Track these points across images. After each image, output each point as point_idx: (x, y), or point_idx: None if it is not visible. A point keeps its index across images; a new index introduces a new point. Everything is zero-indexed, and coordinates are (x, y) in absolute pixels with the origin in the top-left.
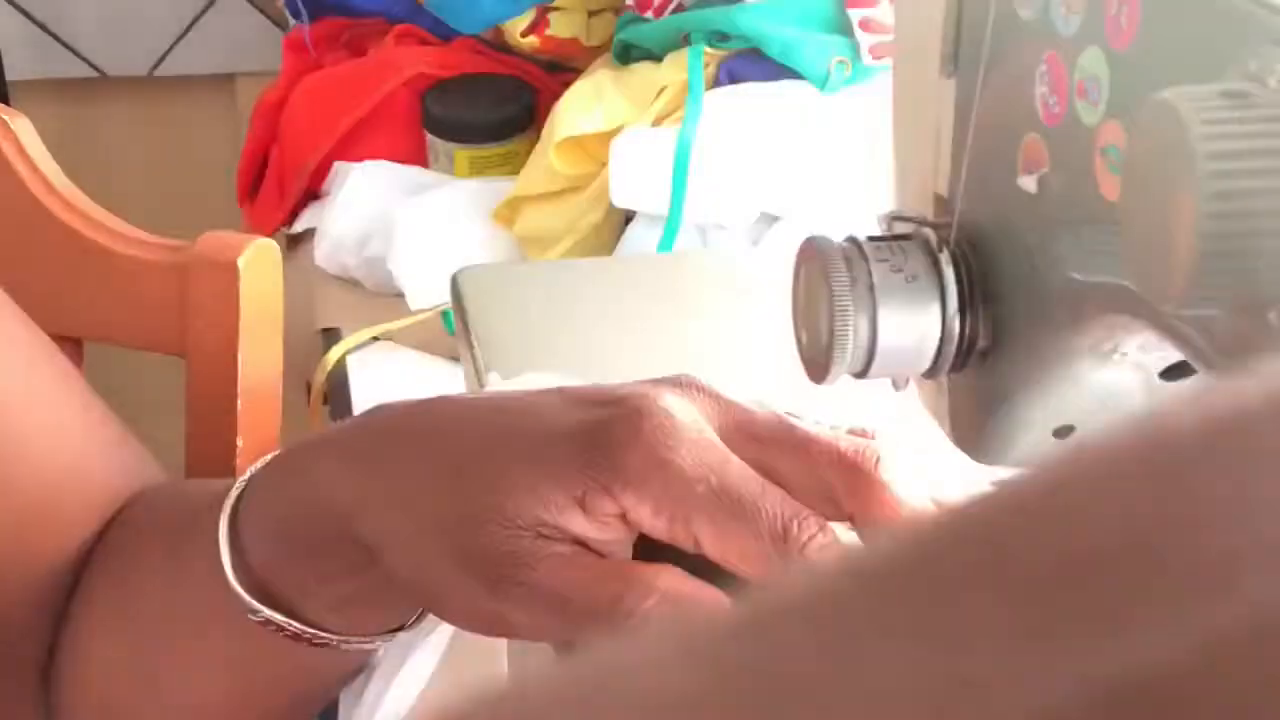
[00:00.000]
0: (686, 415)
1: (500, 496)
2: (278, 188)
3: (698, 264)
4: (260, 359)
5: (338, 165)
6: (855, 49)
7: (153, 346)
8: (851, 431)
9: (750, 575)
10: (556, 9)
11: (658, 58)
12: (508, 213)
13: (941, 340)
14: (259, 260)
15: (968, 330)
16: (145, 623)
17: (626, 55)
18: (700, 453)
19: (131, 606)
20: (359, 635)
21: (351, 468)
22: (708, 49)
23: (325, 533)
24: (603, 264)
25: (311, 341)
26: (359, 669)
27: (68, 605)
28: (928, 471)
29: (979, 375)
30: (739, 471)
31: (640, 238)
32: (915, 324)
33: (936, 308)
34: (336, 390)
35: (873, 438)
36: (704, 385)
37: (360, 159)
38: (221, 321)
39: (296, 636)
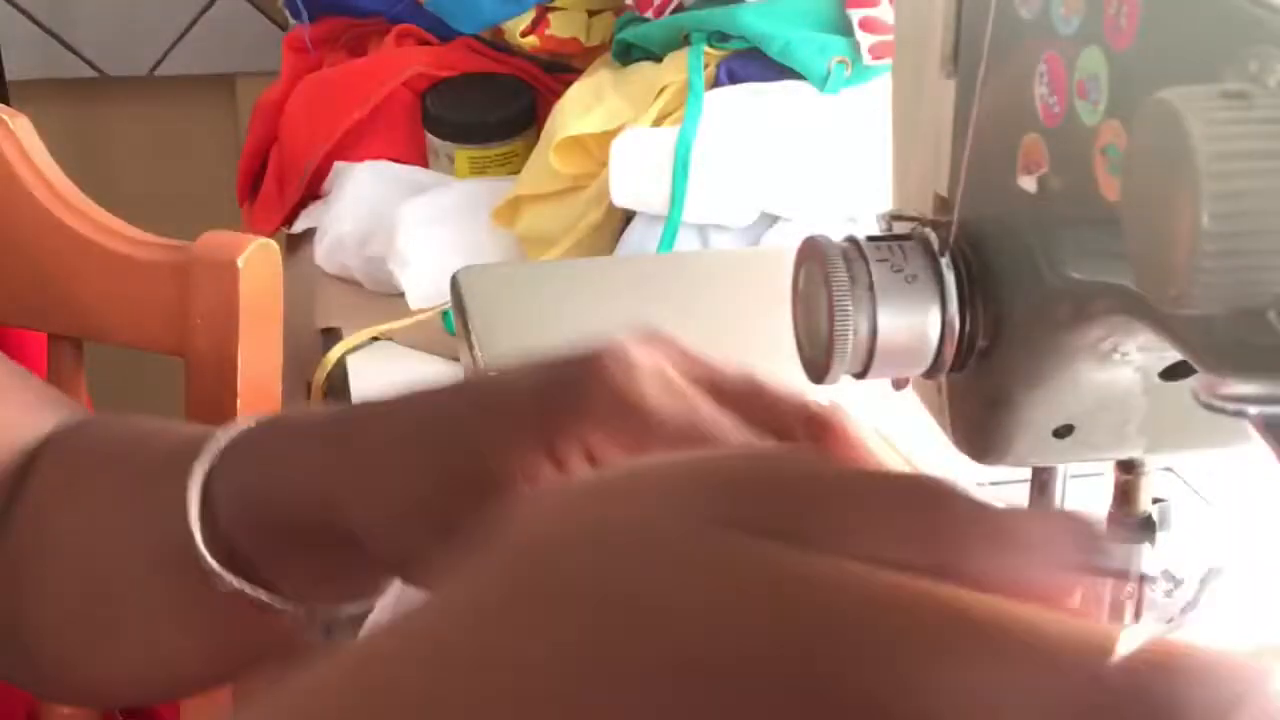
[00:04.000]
0: (650, 360)
1: (473, 461)
2: (278, 188)
3: (698, 264)
4: (260, 359)
5: (338, 165)
6: (855, 49)
7: (153, 346)
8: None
9: None
10: (556, 9)
11: (658, 58)
12: (508, 213)
13: (941, 340)
14: (259, 260)
15: (967, 330)
16: (92, 567)
17: (626, 55)
18: (663, 388)
19: (78, 549)
20: (330, 604)
21: (327, 455)
22: (708, 49)
23: (303, 520)
24: (603, 264)
25: (311, 341)
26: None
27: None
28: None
29: (979, 375)
30: (702, 412)
31: (640, 238)
32: (915, 324)
33: (936, 308)
34: (336, 390)
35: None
36: (668, 337)
37: (360, 159)
38: (221, 321)
39: (264, 607)
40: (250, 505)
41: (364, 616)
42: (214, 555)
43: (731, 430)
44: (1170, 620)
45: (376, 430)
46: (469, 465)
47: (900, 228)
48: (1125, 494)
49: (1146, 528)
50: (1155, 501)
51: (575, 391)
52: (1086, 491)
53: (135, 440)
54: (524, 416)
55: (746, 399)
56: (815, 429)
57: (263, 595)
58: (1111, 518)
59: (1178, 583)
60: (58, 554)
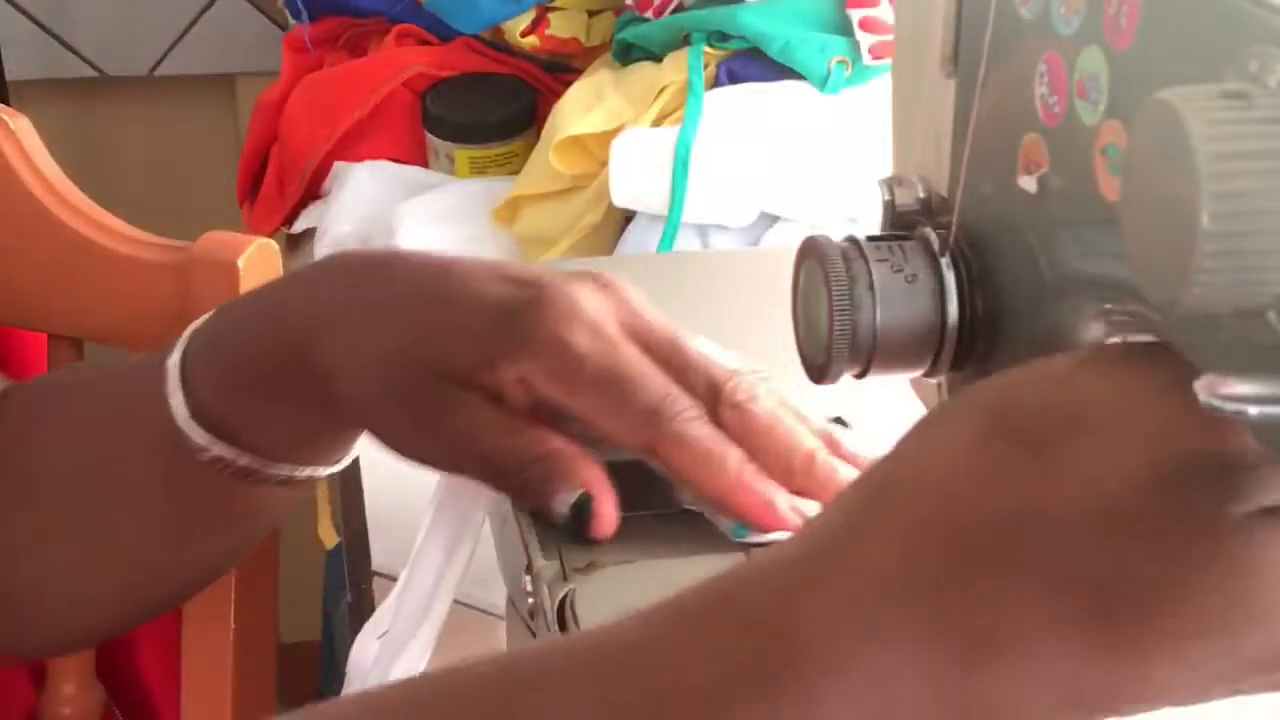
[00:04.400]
0: (590, 304)
1: (432, 348)
2: (278, 188)
3: (698, 264)
4: None
5: (338, 165)
6: (855, 49)
7: (153, 346)
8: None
9: (634, 448)
10: (556, 9)
11: (658, 58)
12: (508, 213)
13: (941, 340)
14: (259, 260)
15: (967, 330)
16: (86, 475)
17: (626, 55)
18: (594, 335)
19: (72, 448)
20: (311, 464)
21: (315, 300)
22: (708, 49)
23: (284, 361)
24: (602, 264)
25: None
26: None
27: None
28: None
29: (979, 375)
30: (626, 355)
31: (640, 238)
32: (915, 324)
33: (936, 307)
34: None
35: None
36: (620, 287)
37: (360, 159)
38: None
39: (245, 473)
40: (225, 362)
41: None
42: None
43: (648, 374)
44: None
45: (365, 294)
46: (430, 353)
47: (901, 196)
48: None
49: None
50: None
51: (522, 327)
52: None
53: (106, 363)
54: (479, 336)
55: (664, 355)
56: (711, 396)
57: (244, 458)
58: None
59: None
60: (39, 474)
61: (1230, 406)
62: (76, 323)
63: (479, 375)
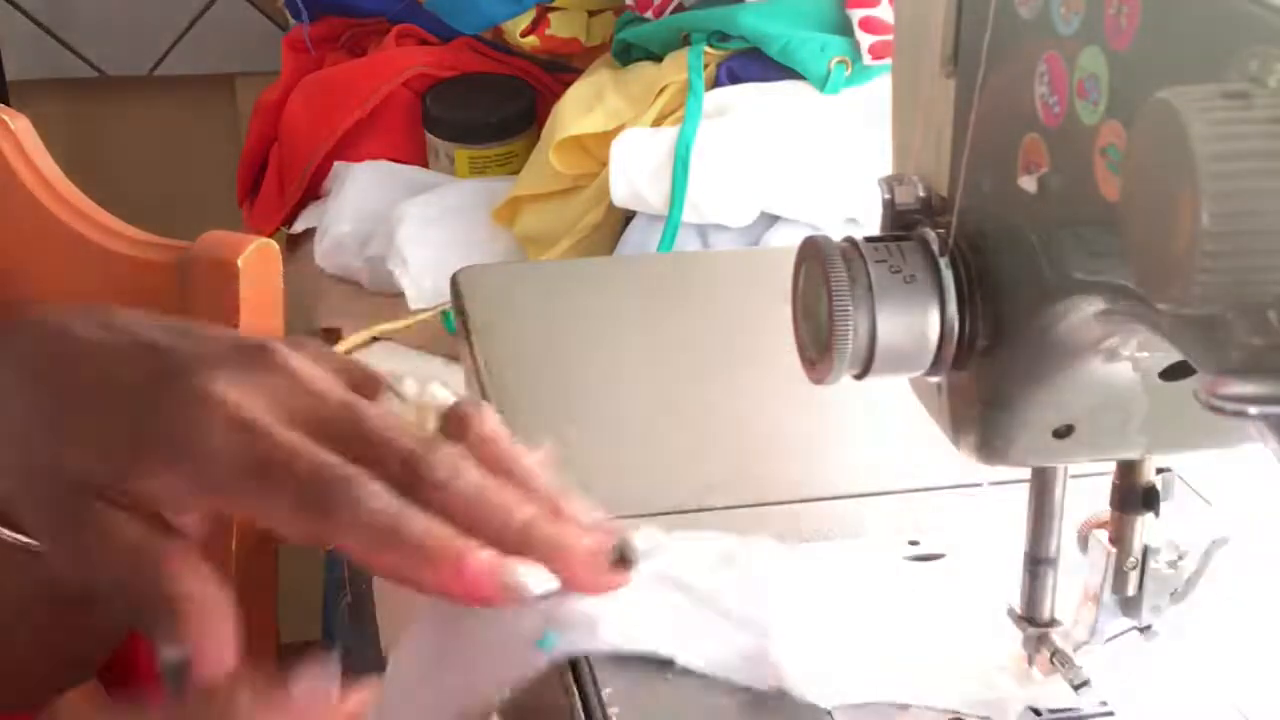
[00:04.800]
0: (233, 395)
1: (53, 453)
2: (278, 188)
3: (698, 264)
4: None
5: (338, 165)
6: (855, 49)
7: None
8: (458, 406)
9: (302, 542)
10: (556, 9)
11: (658, 58)
12: (508, 213)
13: (941, 340)
14: (259, 260)
15: (967, 330)
16: None
17: (626, 55)
18: (232, 431)
19: None
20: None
21: None
22: (708, 49)
23: None
24: (603, 264)
25: None
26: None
27: None
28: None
29: (978, 375)
30: (270, 442)
31: (640, 238)
32: (914, 324)
33: (935, 307)
34: None
35: (476, 414)
36: (276, 356)
37: (360, 159)
38: (221, 321)
39: (20, 546)
40: None
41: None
42: None
43: (304, 454)
44: (1174, 592)
45: (17, 391)
46: (61, 462)
47: (901, 194)
48: (1129, 465)
49: (1150, 498)
50: (1159, 472)
51: (145, 433)
52: (1086, 491)
53: None
54: (98, 444)
55: (341, 430)
56: (407, 477)
57: (9, 534)
58: (1115, 489)
59: (1182, 554)
60: None
61: (1230, 406)
62: None
63: (119, 485)
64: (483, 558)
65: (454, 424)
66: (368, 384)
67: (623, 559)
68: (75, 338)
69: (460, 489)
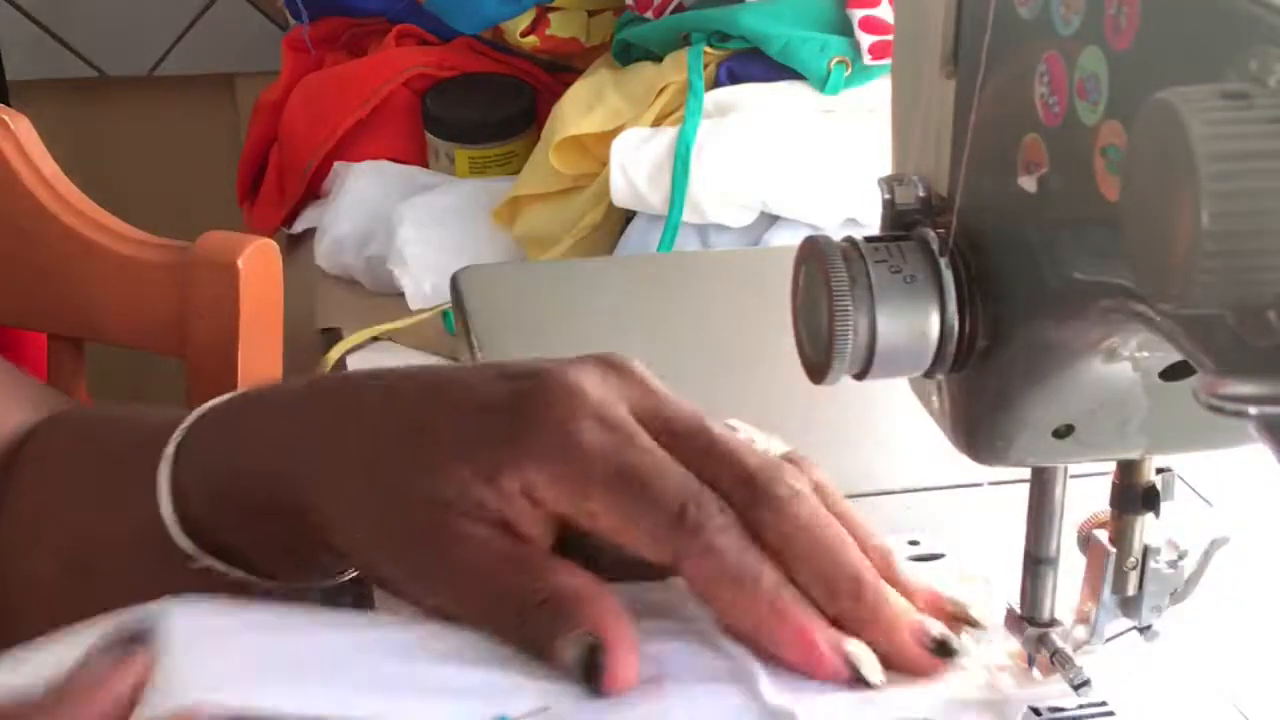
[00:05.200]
0: (598, 393)
1: (422, 477)
2: (278, 188)
3: (698, 264)
4: (260, 359)
5: (338, 165)
6: (855, 49)
7: (153, 346)
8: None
9: (654, 559)
10: (556, 9)
11: (658, 58)
12: (508, 213)
13: (941, 340)
14: (259, 260)
15: (967, 330)
16: (73, 549)
17: (626, 55)
18: (603, 431)
19: (58, 533)
20: (299, 580)
21: (288, 435)
22: (708, 49)
23: (264, 498)
24: (603, 264)
25: (311, 341)
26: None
27: None
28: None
29: (978, 375)
30: (640, 451)
31: (640, 238)
32: (914, 324)
33: (935, 308)
34: None
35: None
36: (632, 368)
37: (360, 159)
38: (221, 321)
39: (238, 584)
40: (214, 482)
41: (336, 591)
42: (187, 533)
43: (668, 472)
44: (1174, 592)
45: (343, 428)
46: (421, 484)
47: (901, 195)
48: (1129, 465)
49: (1150, 498)
50: (1159, 472)
51: (520, 428)
52: (1086, 491)
53: (110, 426)
54: (474, 448)
55: (690, 441)
56: (740, 489)
57: (236, 572)
58: (1115, 489)
59: (1182, 554)
60: (36, 541)
61: (1230, 406)
62: (76, 323)
63: (480, 496)
64: (826, 636)
65: None
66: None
67: (944, 649)
68: (435, 373)
69: (796, 515)
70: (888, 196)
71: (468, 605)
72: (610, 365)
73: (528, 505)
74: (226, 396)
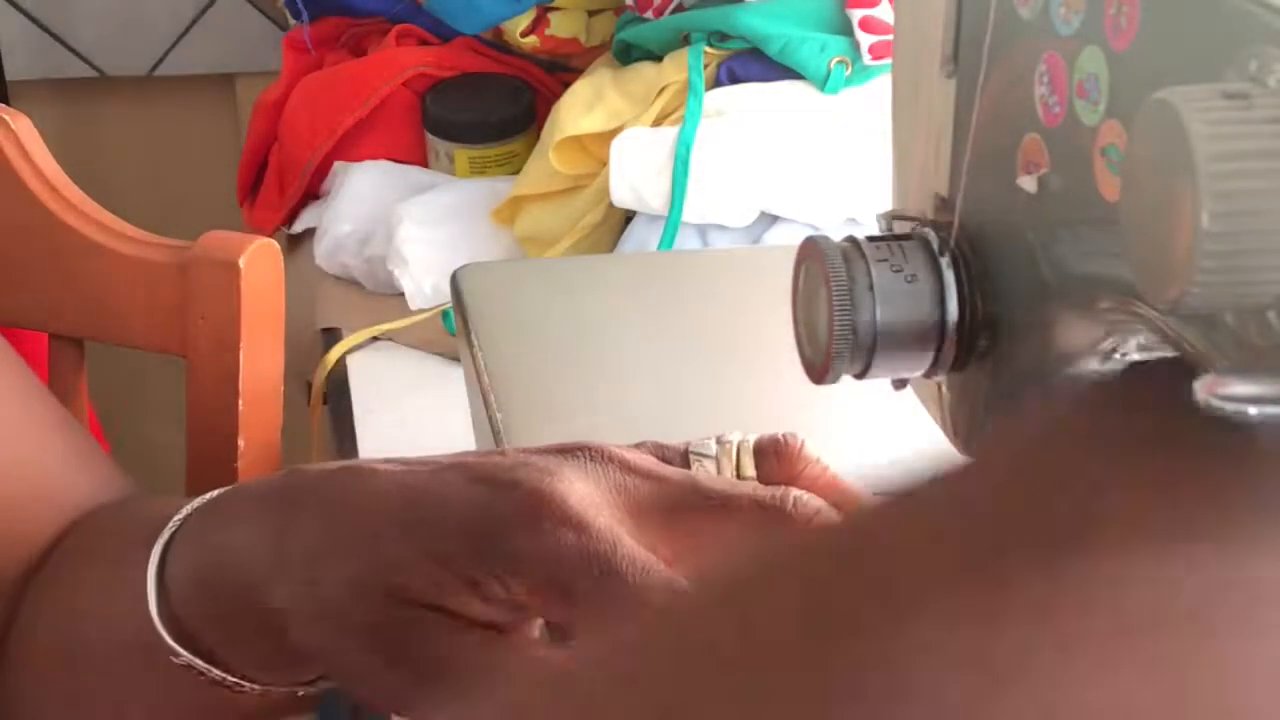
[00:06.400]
0: (581, 499)
1: (398, 575)
2: (278, 188)
3: (698, 264)
4: (260, 359)
5: (338, 165)
6: (855, 49)
7: (153, 346)
8: (768, 440)
9: None
10: (556, 9)
11: (658, 58)
12: (508, 212)
13: (941, 340)
14: (259, 260)
15: (967, 330)
16: (82, 648)
17: (626, 55)
18: (589, 541)
19: (70, 631)
20: (282, 686)
21: (262, 535)
22: (708, 49)
23: (238, 598)
24: (603, 262)
25: (311, 341)
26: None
27: (8, 632)
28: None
29: (979, 375)
30: (627, 558)
31: (640, 238)
32: (915, 324)
33: (936, 308)
34: (336, 390)
35: (794, 443)
36: (614, 454)
37: (360, 159)
38: (222, 321)
39: (218, 683)
40: (195, 586)
41: (320, 697)
42: (172, 635)
43: (644, 582)
44: None
45: (316, 526)
46: (399, 584)
47: (900, 228)
48: None
49: None
50: None
51: (504, 541)
52: None
53: (115, 524)
54: (455, 558)
55: (695, 509)
56: (768, 522)
57: (219, 674)
58: None
59: None
60: (35, 631)
61: (1230, 406)
62: (77, 323)
63: (463, 604)
64: None
65: (774, 455)
66: (675, 460)
67: None
68: (410, 473)
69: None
70: (885, 229)
71: (441, 696)
72: (590, 456)
73: (515, 608)
74: (216, 492)
